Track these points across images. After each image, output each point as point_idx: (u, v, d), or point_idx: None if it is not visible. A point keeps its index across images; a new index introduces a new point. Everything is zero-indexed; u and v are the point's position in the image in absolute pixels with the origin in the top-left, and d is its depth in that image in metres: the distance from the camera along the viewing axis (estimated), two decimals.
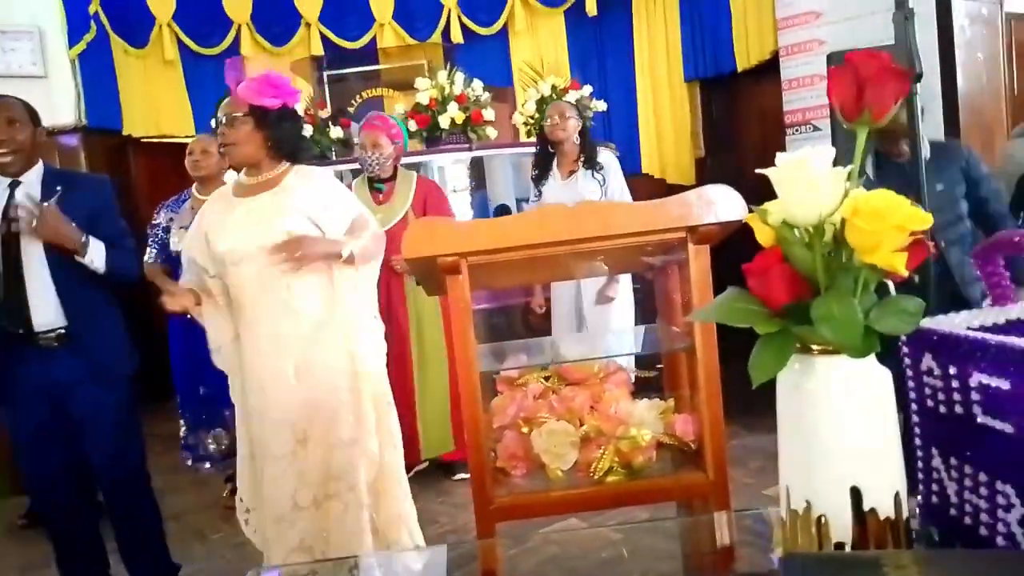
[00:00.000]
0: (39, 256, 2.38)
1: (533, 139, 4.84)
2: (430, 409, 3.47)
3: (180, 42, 5.61)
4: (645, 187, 5.62)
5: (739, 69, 5.61)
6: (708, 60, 5.84)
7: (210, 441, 3.34)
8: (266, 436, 2.21)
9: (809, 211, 0.66)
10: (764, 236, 0.74)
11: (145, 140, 5.67)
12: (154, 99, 5.61)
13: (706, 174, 5.97)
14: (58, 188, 2.40)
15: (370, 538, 2.24)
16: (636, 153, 6.11)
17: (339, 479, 2.22)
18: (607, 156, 3.95)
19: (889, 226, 0.63)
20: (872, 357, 0.71)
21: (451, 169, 4.91)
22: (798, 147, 0.79)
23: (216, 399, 3.15)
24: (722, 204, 1.49)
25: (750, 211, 0.75)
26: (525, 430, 1.66)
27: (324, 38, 5.84)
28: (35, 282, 2.37)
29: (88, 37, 5.16)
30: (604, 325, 3.73)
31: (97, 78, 5.28)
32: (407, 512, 2.40)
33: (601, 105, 4.94)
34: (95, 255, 2.39)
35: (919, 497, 0.93)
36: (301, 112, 4.38)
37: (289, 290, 2.19)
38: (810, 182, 0.66)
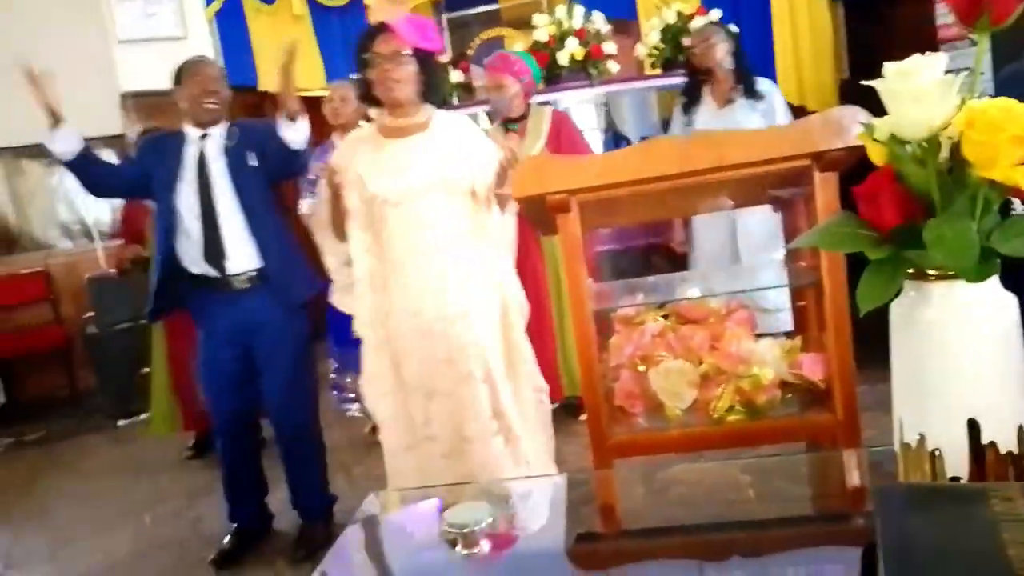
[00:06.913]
0: (233, 204, 2.58)
1: (658, 72, 4.67)
2: (570, 347, 3.44)
3: None
4: None
5: None
6: None
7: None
8: (432, 374, 2.25)
9: (918, 125, 0.60)
10: (876, 155, 0.69)
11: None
12: None
13: (850, 98, 5.57)
14: (235, 128, 2.64)
15: (525, 470, 2.28)
16: (772, 79, 5.76)
17: (503, 414, 2.27)
18: (768, 85, 3.64)
19: (1007, 137, 0.56)
20: (995, 281, 0.65)
21: (577, 109, 4.79)
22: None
23: None
24: (850, 127, 1.38)
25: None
26: (642, 368, 1.64)
27: None
28: (230, 229, 2.58)
29: None
30: (759, 261, 3.38)
31: (232, 37, 5.51)
32: (550, 443, 2.46)
33: (731, 29, 4.67)
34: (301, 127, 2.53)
35: None
36: None
37: (455, 227, 2.24)
38: (918, 93, 0.60)
